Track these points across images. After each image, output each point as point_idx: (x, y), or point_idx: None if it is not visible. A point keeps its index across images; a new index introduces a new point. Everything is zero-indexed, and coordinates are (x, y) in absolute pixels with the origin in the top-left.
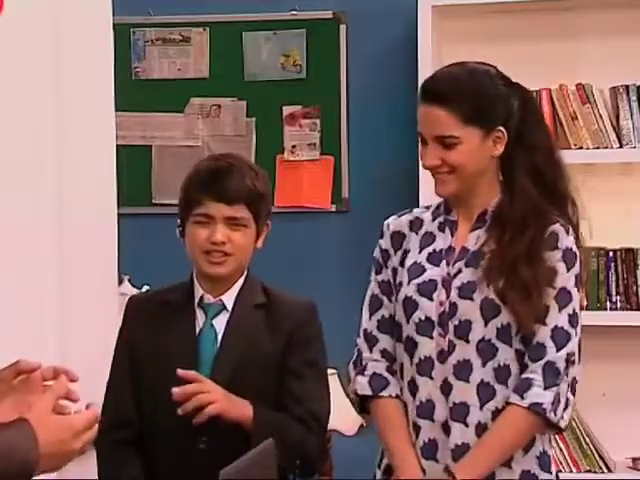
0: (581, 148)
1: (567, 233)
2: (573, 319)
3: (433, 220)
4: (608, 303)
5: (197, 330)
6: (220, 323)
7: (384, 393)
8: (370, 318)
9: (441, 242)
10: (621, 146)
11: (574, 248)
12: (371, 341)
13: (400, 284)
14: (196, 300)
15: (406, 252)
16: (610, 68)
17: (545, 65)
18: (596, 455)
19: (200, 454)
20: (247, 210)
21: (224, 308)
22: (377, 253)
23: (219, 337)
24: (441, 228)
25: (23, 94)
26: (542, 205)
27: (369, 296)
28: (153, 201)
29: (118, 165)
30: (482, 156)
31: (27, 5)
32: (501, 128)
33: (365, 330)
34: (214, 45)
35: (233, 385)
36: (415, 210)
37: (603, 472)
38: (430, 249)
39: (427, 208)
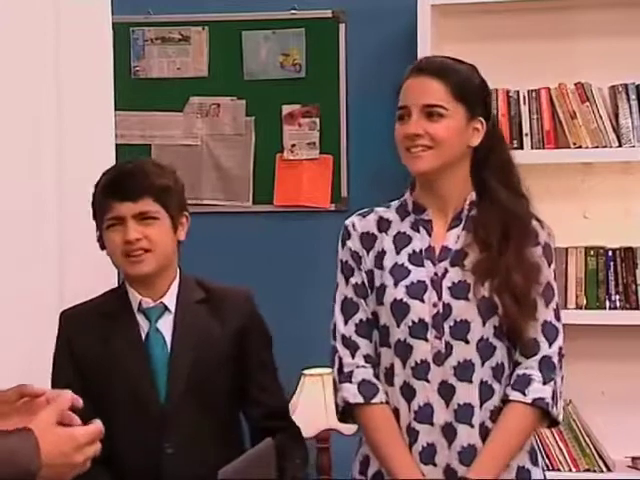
0: (580, 147)
1: (542, 228)
2: (558, 313)
3: (402, 220)
4: (607, 302)
5: (143, 336)
6: (164, 325)
7: (375, 400)
8: (347, 323)
9: (419, 242)
10: (620, 145)
11: (550, 242)
12: (352, 347)
13: (383, 286)
14: (135, 306)
15: (380, 253)
16: (609, 67)
17: (544, 64)
18: (595, 454)
19: (169, 458)
20: (155, 203)
21: (166, 309)
22: (344, 255)
23: (168, 340)
24: (415, 228)
25: (23, 94)
26: (518, 209)
27: (341, 300)
28: None
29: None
30: (462, 139)
31: (27, 5)
32: (481, 119)
33: (344, 336)
34: (213, 44)
35: (191, 386)
36: (377, 209)
37: (602, 471)
38: (409, 250)
39: (387, 207)
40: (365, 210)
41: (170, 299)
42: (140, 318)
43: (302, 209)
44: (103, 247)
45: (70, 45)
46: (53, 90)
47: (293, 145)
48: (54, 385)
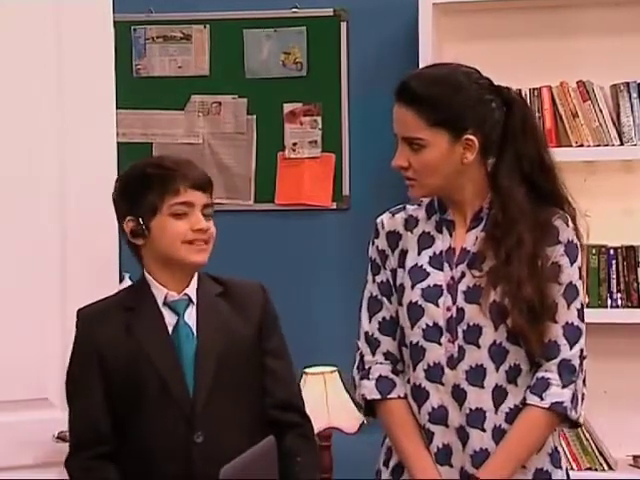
0: (582, 146)
1: (567, 225)
2: (581, 313)
3: (428, 218)
4: (609, 301)
5: (170, 329)
6: (190, 317)
7: (392, 395)
8: (370, 320)
9: (440, 244)
10: (622, 143)
11: (575, 240)
12: (373, 344)
13: (402, 287)
14: (160, 300)
15: (404, 252)
16: (611, 65)
17: (546, 62)
18: (597, 453)
19: (199, 447)
20: (211, 199)
21: (190, 301)
22: (373, 253)
23: (194, 331)
24: (438, 228)
25: (24, 92)
26: (536, 210)
27: (367, 297)
28: None
29: (119, 163)
30: (450, 161)
31: (28, 3)
32: (470, 136)
33: (367, 333)
34: (215, 43)
35: (219, 377)
36: (408, 207)
37: (604, 470)
38: (430, 252)
39: (419, 205)
40: (397, 207)
41: (192, 291)
42: (166, 312)
43: (303, 208)
44: (138, 235)
45: (71, 43)
46: (54, 88)
47: (294, 143)
48: (76, 383)
